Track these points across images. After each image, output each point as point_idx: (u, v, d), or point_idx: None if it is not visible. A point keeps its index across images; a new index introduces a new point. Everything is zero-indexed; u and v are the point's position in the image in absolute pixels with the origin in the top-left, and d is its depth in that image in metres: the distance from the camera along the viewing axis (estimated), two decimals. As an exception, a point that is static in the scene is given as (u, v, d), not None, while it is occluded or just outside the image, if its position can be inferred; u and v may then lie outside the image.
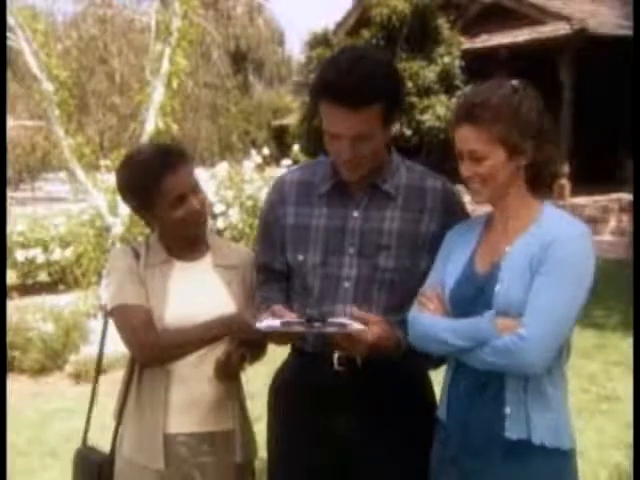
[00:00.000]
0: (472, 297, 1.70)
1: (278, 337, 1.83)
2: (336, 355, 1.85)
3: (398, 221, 1.86)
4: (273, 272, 1.96)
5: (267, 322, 1.72)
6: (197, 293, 2.00)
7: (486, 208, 1.81)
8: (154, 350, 1.91)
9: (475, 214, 1.92)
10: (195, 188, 1.98)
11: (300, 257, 1.90)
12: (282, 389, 2.02)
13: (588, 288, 1.64)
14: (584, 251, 1.64)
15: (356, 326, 1.70)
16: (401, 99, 1.85)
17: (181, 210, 1.94)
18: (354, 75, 1.70)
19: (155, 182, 1.91)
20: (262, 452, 2.10)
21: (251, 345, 2.04)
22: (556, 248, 1.61)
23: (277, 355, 2.06)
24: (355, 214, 1.87)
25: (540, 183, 1.74)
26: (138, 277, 1.99)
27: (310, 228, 1.90)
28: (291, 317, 1.72)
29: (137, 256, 2.02)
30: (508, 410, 1.67)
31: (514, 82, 1.71)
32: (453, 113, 1.75)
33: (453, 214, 1.89)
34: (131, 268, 2.00)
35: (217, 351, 1.97)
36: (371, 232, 1.86)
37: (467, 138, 1.67)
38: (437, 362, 1.88)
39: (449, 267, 1.78)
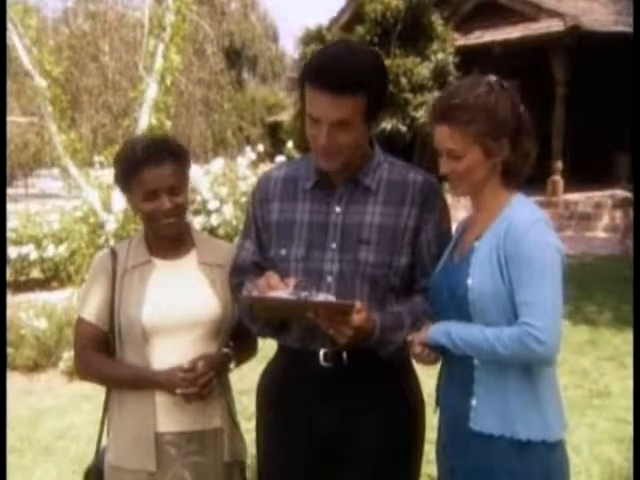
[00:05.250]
0: (446, 286, 1.76)
1: (264, 308, 1.82)
2: (322, 351, 1.85)
3: (379, 216, 1.86)
4: (263, 270, 1.92)
5: (255, 293, 1.74)
6: (179, 292, 2.00)
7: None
8: (80, 371, 2.14)
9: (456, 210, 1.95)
10: (175, 189, 1.95)
11: (283, 252, 1.90)
12: (268, 386, 2.02)
13: (560, 267, 1.66)
14: (541, 236, 1.65)
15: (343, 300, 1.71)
16: (385, 96, 1.85)
17: (150, 205, 1.94)
18: (341, 61, 1.73)
19: (134, 171, 1.93)
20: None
21: (238, 346, 2.03)
22: (512, 233, 1.65)
23: (272, 352, 2.05)
24: (337, 209, 1.88)
25: (515, 176, 1.76)
26: (108, 289, 2.00)
27: (294, 223, 1.90)
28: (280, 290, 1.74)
29: (116, 260, 2.02)
30: (474, 402, 1.71)
31: (491, 79, 1.72)
32: (430, 111, 1.78)
33: (431, 209, 1.89)
34: (104, 280, 2.01)
35: (202, 350, 1.97)
36: (352, 227, 1.86)
37: (444, 137, 1.71)
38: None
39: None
